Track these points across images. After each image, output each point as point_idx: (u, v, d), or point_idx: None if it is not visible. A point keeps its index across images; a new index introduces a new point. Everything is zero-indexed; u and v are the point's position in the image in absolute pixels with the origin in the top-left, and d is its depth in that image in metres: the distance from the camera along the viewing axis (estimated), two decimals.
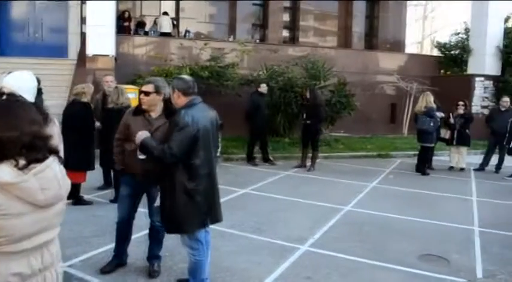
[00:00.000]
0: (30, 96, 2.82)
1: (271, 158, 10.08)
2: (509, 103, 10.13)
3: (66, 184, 1.89)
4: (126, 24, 14.66)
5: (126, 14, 14.87)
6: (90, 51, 11.27)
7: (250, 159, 9.96)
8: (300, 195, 7.26)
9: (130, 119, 3.84)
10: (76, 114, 5.94)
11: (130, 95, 7.18)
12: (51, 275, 1.88)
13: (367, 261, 4.54)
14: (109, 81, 6.95)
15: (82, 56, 11.68)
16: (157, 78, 4.01)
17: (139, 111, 3.84)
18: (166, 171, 3.35)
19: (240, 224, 5.58)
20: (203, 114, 3.40)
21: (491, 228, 5.81)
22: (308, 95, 9.66)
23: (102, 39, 11.16)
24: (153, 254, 4.07)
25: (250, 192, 7.41)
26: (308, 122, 9.50)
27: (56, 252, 1.93)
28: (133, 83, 10.85)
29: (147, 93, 3.71)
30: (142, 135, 3.45)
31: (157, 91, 3.70)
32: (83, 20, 13.00)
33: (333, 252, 4.74)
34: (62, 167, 1.87)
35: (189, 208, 3.33)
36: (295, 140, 11.14)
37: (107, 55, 11.31)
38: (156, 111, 3.78)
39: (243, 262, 4.39)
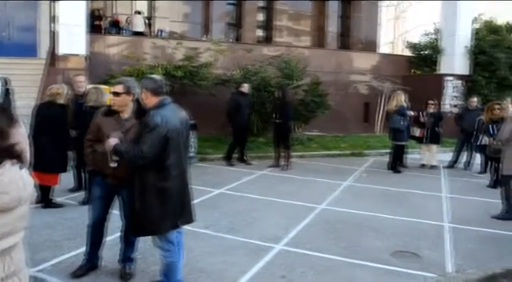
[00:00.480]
0: None
1: (245, 158, 10.08)
2: (477, 103, 10.42)
3: (28, 187, 1.83)
4: (97, 23, 14.38)
5: (97, 13, 14.57)
6: (61, 50, 11.05)
7: (228, 159, 9.92)
8: (274, 194, 7.29)
9: (102, 120, 3.78)
10: (52, 116, 5.81)
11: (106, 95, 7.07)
12: None
13: (341, 259, 4.58)
14: (80, 82, 6.80)
15: (53, 55, 11.44)
16: (127, 79, 3.97)
17: (110, 112, 3.78)
18: (137, 172, 3.31)
19: (215, 224, 5.56)
20: (173, 115, 3.36)
21: (461, 224, 5.95)
22: (278, 94, 9.72)
23: (73, 38, 10.96)
24: (126, 257, 4.01)
25: (225, 192, 7.39)
26: (278, 120, 9.56)
27: (20, 259, 1.86)
28: (105, 83, 10.67)
29: (117, 94, 3.66)
30: (113, 141, 3.38)
31: (127, 91, 3.65)
32: (53, 19, 12.72)
33: (308, 251, 4.77)
34: (25, 170, 1.81)
35: (161, 209, 3.29)
36: (269, 139, 11.16)
37: (79, 54, 11.11)
38: (127, 111, 3.74)
39: (217, 263, 4.37)
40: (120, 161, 3.45)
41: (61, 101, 5.92)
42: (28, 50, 12.89)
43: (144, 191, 3.28)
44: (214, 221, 5.68)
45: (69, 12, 10.94)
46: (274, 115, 9.86)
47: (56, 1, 11.79)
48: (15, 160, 1.76)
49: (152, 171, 3.26)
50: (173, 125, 3.29)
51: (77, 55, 11.07)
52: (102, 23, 14.80)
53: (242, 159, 10.00)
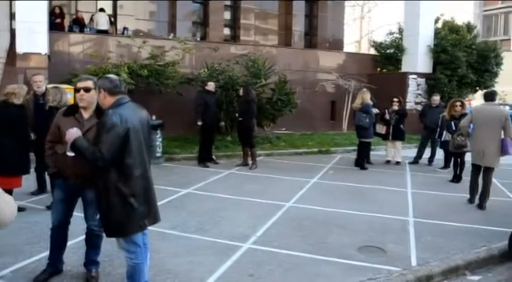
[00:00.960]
0: None
1: (213, 157, 10.02)
2: (439, 100, 10.72)
3: None
4: (58, 21, 13.93)
5: (58, 10, 14.09)
6: (20, 49, 10.69)
7: (202, 161, 9.73)
8: (242, 193, 7.28)
9: (61, 120, 3.67)
10: (9, 117, 5.60)
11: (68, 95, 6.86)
12: None
13: (309, 256, 4.62)
14: (38, 81, 6.55)
15: (12, 54, 11.06)
16: (90, 76, 3.88)
17: (70, 111, 3.69)
18: (99, 173, 3.23)
19: (182, 225, 5.50)
20: (132, 114, 3.29)
21: (425, 218, 6.10)
22: (241, 92, 9.74)
23: (34, 37, 10.62)
24: (91, 260, 3.92)
25: (192, 192, 7.33)
26: (240, 118, 9.57)
27: None
28: (68, 82, 10.42)
29: (88, 90, 3.57)
30: (73, 133, 3.28)
31: (96, 88, 3.53)
32: (12, 16, 12.31)
33: (276, 249, 4.79)
34: None
35: (125, 211, 3.23)
36: (237, 138, 11.16)
37: (39, 53, 10.78)
38: (89, 111, 3.65)
39: (185, 263, 4.33)
40: (78, 156, 3.34)
41: (17, 101, 5.69)
42: None
43: (107, 192, 3.21)
44: (181, 221, 5.62)
45: (29, 9, 10.58)
46: (237, 114, 9.87)
47: None
48: None
49: (113, 172, 3.19)
50: (132, 124, 3.22)
51: (37, 54, 10.74)
52: (63, 20, 14.35)
53: (210, 159, 9.93)
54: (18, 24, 10.80)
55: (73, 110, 3.69)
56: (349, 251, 4.79)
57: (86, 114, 3.64)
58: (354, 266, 4.40)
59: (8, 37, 12.11)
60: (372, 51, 19.84)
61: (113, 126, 3.12)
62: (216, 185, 7.84)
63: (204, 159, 9.76)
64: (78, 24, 14.47)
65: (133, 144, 3.22)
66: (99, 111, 3.55)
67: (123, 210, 3.23)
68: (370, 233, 5.41)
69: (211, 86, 9.90)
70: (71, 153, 3.43)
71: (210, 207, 6.40)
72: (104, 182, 3.21)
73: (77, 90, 3.62)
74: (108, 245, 4.02)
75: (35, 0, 10.62)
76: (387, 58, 17.62)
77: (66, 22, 14.74)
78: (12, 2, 12.13)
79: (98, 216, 3.59)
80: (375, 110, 10.08)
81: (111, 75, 3.50)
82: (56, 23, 13.58)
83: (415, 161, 10.66)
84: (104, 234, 3.56)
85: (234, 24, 18.30)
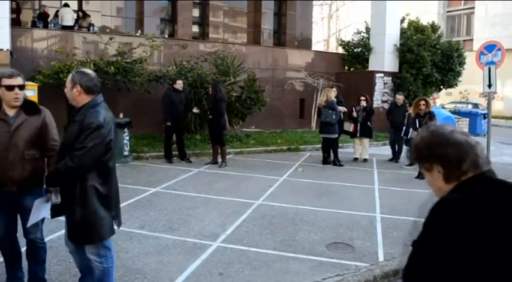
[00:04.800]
0: None
1: (187, 156, 9.92)
2: (402, 99, 10.96)
3: None
4: (14, 16, 13.21)
5: (14, 5, 13.42)
6: None
7: (167, 157, 9.75)
8: (212, 191, 7.25)
9: None
10: None
11: (30, 92, 6.66)
12: None
13: (278, 253, 4.64)
14: None
15: None
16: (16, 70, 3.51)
17: None
18: (76, 177, 3.03)
19: (151, 224, 5.44)
20: (108, 114, 3.14)
21: (392, 214, 6.24)
22: (210, 90, 9.72)
23: None
24: (39, 278, 3.58)
25: (161, 190, 7.24)
26: (210, 117, 9.54)
27: None
28: (32, 79, 10.11)
29: (22, 87, 3.30)
30: (40, 203, 3.14)
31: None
32: None
33: (245, 247, 4.79)
34: None
35: (100, 215, 3.08)
36: (206, 136, 11.10)
37: (1, 49, 10.40)
38: (15, 108, 3.31)
39: (153, 263, 4.28)
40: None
41: None
42: None
43: (84, 196, 3.02)
44: (150, 221, 5.56)
45: None
46: (207, 112, 9.83)
47: None
48: None
49: (93, 173, 3.02)
50: (111, 124, 3.08)
51: (0, 50, 10.37)
52: (19, 16, 13.73)
53: (183, 157, 9.85)
54: None
55: None
56: (318, 247, 4.84)
57: (10, 112, 3.30)
58: (323, 262, 4.45)
59: None
60: (340, 50, 20.07)
61: (99, 127, 2.95)
62: (185, 184, 7.77)
63: (170, 155, 9.74)
64: (43, 20, 14.03)
65: (114, 145, 3.12)
66: (29, 107, 3.33)
67: (98, 214, 3.07)
68: (338, 230, 5.49)
69: (179, 84, 9.80)
70: (56, 200, 3.16)
71: (179, 206, 6.34)
72: (81, 186, 3.01)
73: (8, 88, 3.23)
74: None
75: None
76: (355, 57, 17.85)
77: (28, 17, 14.23)
78: None
79: (40, 226, 3.42)
80: (343, 108, 10.23)
81: (90, 71, 3.22)
82: (11, 19, 12.94)
83: (395, 159, 10.79)
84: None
85: (202, 21, 18.17)
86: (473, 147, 1.55)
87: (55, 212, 3.23)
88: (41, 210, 3.27)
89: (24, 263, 3.62)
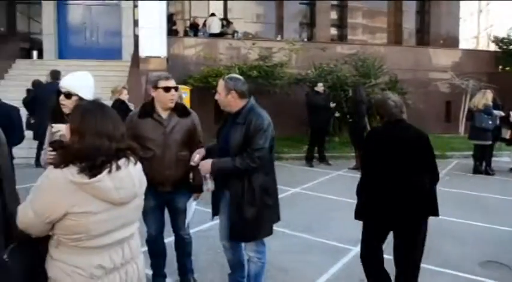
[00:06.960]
0: (89, 95, 2.87)
1: (326, 158, 9.95)
2: None
3: (142, 181, 1.98)
4: (173, 27, 14.86)
5: (173, 18, 15.04)
6: (142, 53, 11.58)
7: (309, 160, 9.83)
8: (352, 195, 7.11)
9: (138, 123, 3.40)
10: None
11: (183, 94, 7.31)
12: (133, 268, 1.99)
13: (422, 266, 4.38)
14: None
15: (135, 57, 12.03)
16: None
17: (145, 112, 3.44)
18: (242, 174, 3.13)
19: (292, 223, 5.52)
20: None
21: None
22: (351, 93, 9.57)
23: (153, 41, 11.44)
24: (186, 269, 3.77)
25: (301, 191, 7.38)
26: (350, 119, 9.38)
27: (136, 246, 2.03)
28: (184, 83, 11.05)
29: (177, 89, 3.45)
30: (206, 164, 3.15)
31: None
32: (135, 23, 13.39)
33: (388, 256, 4.61)
34: (138, 164, 1.95)
35: (267, 211, 3.22)
36: (345, 139, 10.96)
37: (159, 56, 11.58)
38: (168, 110, 3.44)
39: (295, 261, 4.43)
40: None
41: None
42: (113, 53, 13.73)
43: (254, 195, 3.12)
44: (290, 220, 5.61)
45: (148, 15, 11.42)
46: (347, 115, 9.71)
47: (137, 4, 12.37)
48: (131, 157, 1.91)
49: (260, 170, 3.15)
50: (271, 123, 3.22)
51: (157, 57, 11.55)
52: (176, 27, 15.30)
53: (322, 159, 9.90)
54: (141, 31, 11.72)
55: (148, 110, 3.44)
56: (467, 264, 4.46)
57: (164, 114, 3.42)
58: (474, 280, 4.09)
59: (132, 42, 13.21)
60: (492, 48, 18.30)
61: (268, 127, 3.12)
62: (324, 186, 7.81)
63: (312, 158, 9.78)
64: (193, 29, 15.36)
65: (274, 143, 3.28)
66: (180, 110, 3.48)
67: (265, 212, 3.20)
68: (488, 247, 4.99)
69: (320, 87, 9.84)
70: (211, 186, 3.22)
71: (319, 207, 6.40)
72: (249, 185, 3.12)
73: (165, 90, 3.35)
74: None
75: (155, 0, 11.43)
76: (511, 55, 16.12)
77: (180, 28, 15.69)
78: (135, 10, 13.19)
79: (187, 225, 3.60)
80: (500, 113, 9.22)
81: (240, 77, 3.36)
82: (171, 30, 14.51)
83: None
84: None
85: (341, 23, 18.04)
86: (395, 106, 3.38)
87: (215, 212, 3.41)
88: (191, 208, 3.51)
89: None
